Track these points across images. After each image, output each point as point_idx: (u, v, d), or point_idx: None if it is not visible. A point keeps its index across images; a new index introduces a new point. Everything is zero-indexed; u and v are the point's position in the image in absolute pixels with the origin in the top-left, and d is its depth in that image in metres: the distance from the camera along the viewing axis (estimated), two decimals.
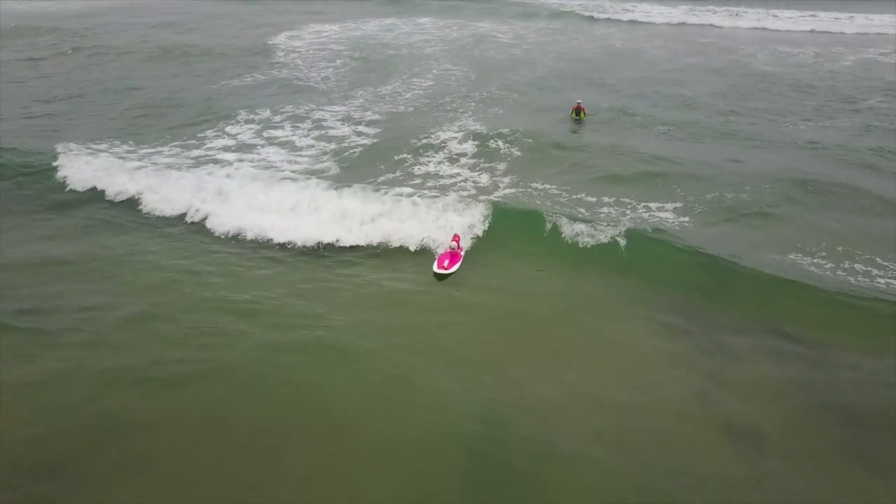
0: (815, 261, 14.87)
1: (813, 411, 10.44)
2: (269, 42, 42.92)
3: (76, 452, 9.27)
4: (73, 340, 11.66)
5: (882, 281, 14.05)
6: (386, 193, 17.42)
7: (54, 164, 20.17)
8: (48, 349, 11.39)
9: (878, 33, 51.58)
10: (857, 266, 14.61)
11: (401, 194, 17.37)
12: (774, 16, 58.53)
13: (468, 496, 8.72)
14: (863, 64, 39.48)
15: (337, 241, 15.84)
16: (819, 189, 18.94)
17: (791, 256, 15.12)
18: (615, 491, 8.83)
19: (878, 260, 14.94)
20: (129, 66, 36.05)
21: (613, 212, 17.30)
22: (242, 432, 9.64)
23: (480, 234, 16.03)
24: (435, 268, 14.21)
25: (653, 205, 17.89)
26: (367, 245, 15.80)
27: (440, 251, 15.14)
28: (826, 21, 55.56)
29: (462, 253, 14.74)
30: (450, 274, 14.16)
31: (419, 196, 17.27)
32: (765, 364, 11.70)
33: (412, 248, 15.66)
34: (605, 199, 18.09)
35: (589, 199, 18.08)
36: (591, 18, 59.29)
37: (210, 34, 46.77)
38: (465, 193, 18.30)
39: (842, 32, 52.47)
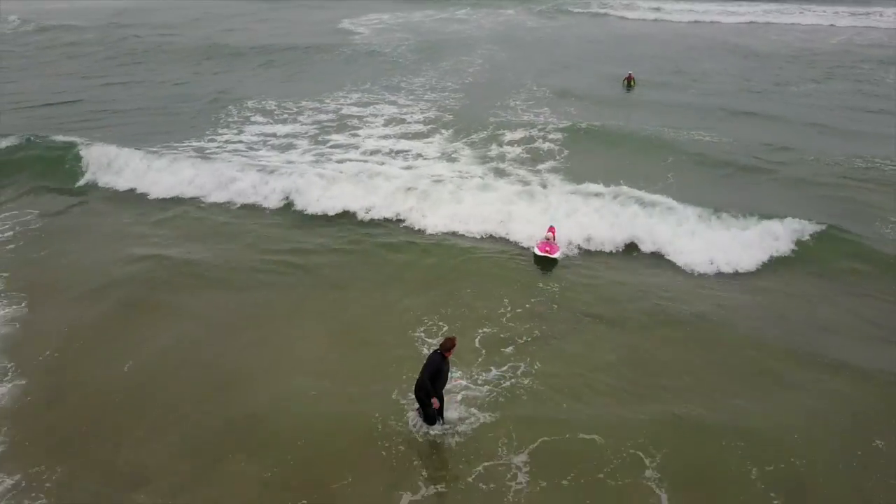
0: None
1: None
2: (339, 27, 48.88)
3: None
4: None
5: None
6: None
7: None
8: None
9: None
10: None
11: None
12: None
13: None
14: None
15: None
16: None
17: None
18: None
19: None
20: (229, 63, 37.90)
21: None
22: None
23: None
24: (537, 251, 14.18)
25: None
26: None
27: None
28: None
29: (558, 247, 14.45)
30: (554, 259, 14.03)
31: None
32: None
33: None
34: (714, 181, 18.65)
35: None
36: (596, 14, 63.92)
37: (280, 28, 51.19)
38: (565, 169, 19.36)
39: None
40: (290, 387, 9.78)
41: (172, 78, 33.25)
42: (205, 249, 14.69)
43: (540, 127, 23.51)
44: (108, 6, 64.18)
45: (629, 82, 30.55)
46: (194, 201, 17.64)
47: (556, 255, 14.18)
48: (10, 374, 10.05)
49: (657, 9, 63.22)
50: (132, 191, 18.38)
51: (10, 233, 15.67)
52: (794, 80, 33.04)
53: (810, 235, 14.41)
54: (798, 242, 14.28)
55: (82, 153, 19.97)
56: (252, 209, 17.14)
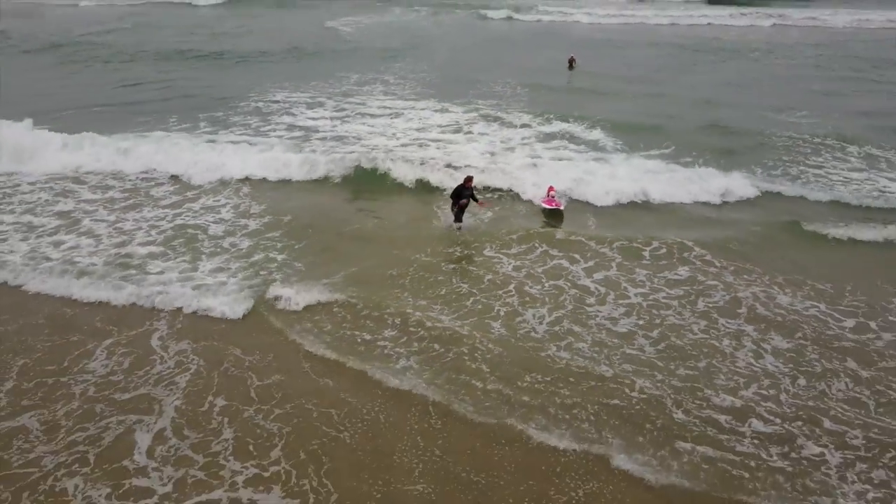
0: None
1: None
2: (326, 26, 56.98)
3: None
4: None
5: None
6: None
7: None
8: None
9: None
10: None
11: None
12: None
13: None
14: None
15: None
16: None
17: None
18: None
19: None
20: (237, 61, 43.10)
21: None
22: None
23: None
24: (545, 205, 16.78)
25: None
26: None
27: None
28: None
29: (561, 202, 16.94)
30: (561, 211, 16.58)
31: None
32: None
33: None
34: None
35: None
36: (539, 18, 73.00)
37: (274, 29, 57.40)
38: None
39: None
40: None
41: (191, 76, 37.08)
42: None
43: (510, 94, 31.18)
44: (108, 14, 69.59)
45: (571, 63, 38.38)
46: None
47: (562, 207, 16.74)
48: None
49: (589, 13, 72.23)
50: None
51: None
52: (697, 63, 42.03)
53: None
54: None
55: None
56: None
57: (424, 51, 45.35)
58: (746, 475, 8.20)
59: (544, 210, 16.85)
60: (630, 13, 74.03)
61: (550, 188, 17.36)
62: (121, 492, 7.94)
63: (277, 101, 29.40)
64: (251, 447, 8.52)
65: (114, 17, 66.47)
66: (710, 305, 12.09)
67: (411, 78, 35.71)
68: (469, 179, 15.44)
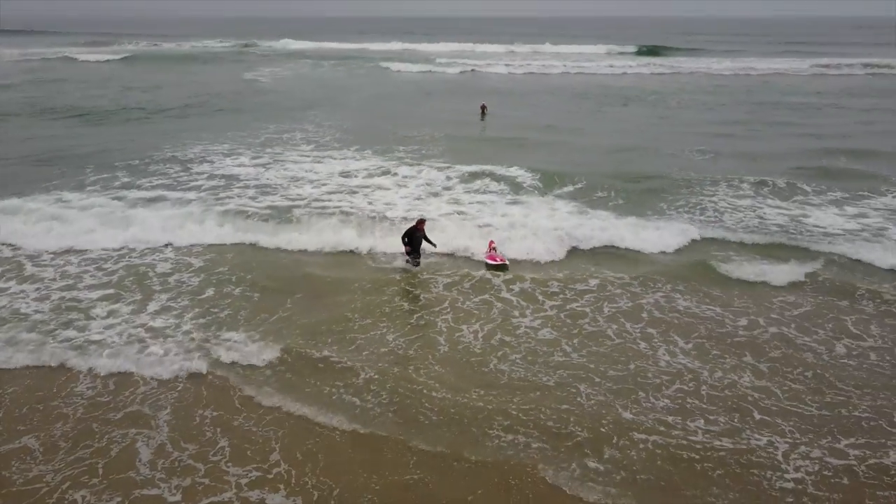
0: None
1: None
2: (244, 78, 59.55)
3: None
4: None
5: None
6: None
7: None
8: None
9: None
10: None
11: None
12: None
13: None
14: None
15: None
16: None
17: None
18: None
19: None
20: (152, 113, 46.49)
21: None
22: None
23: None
24: (489, 261, 17.01)
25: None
26: None
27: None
28: None
29: (501, 256, 17.23)
30: (505, 266, 16.92)
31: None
32: None
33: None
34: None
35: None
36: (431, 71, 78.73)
37: (198, 82, 58.90)
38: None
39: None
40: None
41: (105, 131, 37.00)
42: None
43: (428, 140, 33.28)
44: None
45: (483, 111, 41.55)
46: None
47: (506, 262, 17.03)
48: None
49: (500, 63, 78.67)
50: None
51: None
52: (602, 108, 46.48)
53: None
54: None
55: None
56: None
57: (340, 101, 47.73)
58: (697, 457, 9.85)
59: (488, 265, 17.09)
60: (537, 63, 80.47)
61: (491, 242, 17.74)
62: (129, 500, 8.88)
63: (194, 152, 30.30)
64: (249, 452, 9.66)
65: (17, 71, 65.19)
66: (616, 310, 14.51)
67: (328, 125, 37.61)
68: (421, 222, 16.49)
